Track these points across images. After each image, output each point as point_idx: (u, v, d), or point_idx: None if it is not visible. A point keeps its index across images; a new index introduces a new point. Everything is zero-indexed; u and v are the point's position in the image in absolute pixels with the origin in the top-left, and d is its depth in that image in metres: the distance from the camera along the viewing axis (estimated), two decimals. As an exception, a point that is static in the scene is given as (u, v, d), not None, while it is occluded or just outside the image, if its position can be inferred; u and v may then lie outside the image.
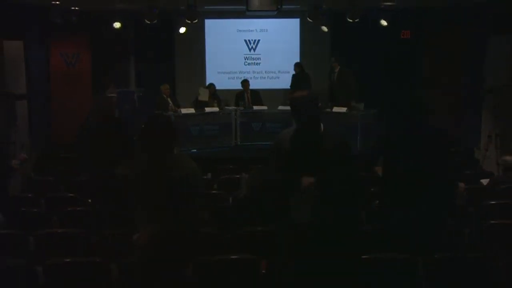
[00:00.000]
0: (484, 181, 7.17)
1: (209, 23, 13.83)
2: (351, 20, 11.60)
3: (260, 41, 14.01)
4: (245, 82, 12.46)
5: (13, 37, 10.31)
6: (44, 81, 12.03)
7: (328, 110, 11.19)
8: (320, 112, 4.37)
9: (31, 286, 4.16)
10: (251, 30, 13.97)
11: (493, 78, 10.21)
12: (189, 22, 11.86)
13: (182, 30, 12.48)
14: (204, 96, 12.13)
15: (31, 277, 4.16)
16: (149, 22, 11.45)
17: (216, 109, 11.84)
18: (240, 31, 13.98)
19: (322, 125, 4.22)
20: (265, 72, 14.03)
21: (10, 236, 4.85)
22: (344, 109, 11.18)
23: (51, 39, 12.31)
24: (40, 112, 11.56)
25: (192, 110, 11.64)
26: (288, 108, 11.74)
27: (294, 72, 12.54)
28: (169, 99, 11.68)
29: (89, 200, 6.35)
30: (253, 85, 12.55)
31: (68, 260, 4.33)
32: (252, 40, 14.02)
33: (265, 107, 12.17)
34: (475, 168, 9.18)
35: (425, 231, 4.48)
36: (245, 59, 14.06)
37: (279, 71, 13.95)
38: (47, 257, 4.35)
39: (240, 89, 12.47)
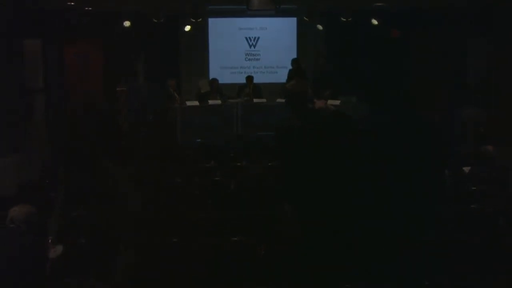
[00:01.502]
0: (466, 169, 7.24)
1: (212, 22, 13.84)
2: (344, 20, 11.66)
3: (260, 38, 14.03)
4: (249, 78, 12.50)
5: (32, 36, 10.36)
6: (60, 77, 12.08)
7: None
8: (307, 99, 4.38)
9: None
10: (251, 28, 13.99)
11: (474, 75, 10.30)
12: (194, 20, 11.92)
13: (187, 28, 12.54)
14: (205, 87, 12.18)
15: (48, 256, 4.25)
16: (156, 21, 11.51)
17: (218, 101, 11.88)
18: (241, 29, 14.00)
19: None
20: (264, 67, 14.07)
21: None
22: (337, 102, 11.21)
23: (67, 38, 12.34)
24: (56, 106, 11.61)
25: (196, 103, 11.69)
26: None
27: (291, 67, 12.58)
28: (175, 93, 11.74)
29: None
30: (253, 80, 12.59)
31: (83, 241, 4.42)
32: (252, 37, 14.04)
33: (264, 100, 12.21)
34: (458, 157, 9.24)
35: (415, 218, 4.51)
36: (245, 55, 14.09)
37: (277, 66, 13.97)
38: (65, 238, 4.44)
39: (244, 83, 12.52)
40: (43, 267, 4.19)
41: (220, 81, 12.42)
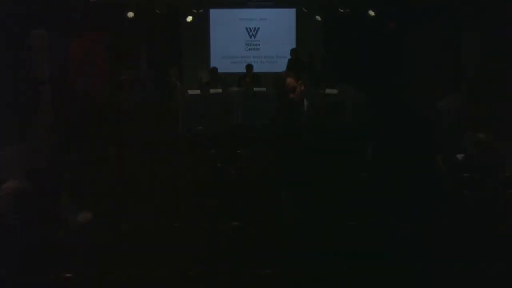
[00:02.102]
0: (459, 156, 7.28)
1: (214, 13, 13.84)
2: (342, 11, 11.64)
3: (260, 29, 14.04)
4: (249, 67, 12.48)
5: (39, 27, 10.34)
6: (66, 68, 12.06)
7: (321, 91, 11.23)
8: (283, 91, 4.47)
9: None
10: (252, 19, 13.99)
11: (468, 68, 10.30)
12: (195, 11, 11.90)
13: (189, 19, 12.53)
14: (206, 77, 12.19)
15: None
16: (159, 12, 11.50)
17: (219, 90, 11.88)
18: (241, 19, 14.00)
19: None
20: (264, 57, 14.09)
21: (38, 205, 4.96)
22: (335, 91, 11.22)
23: (72, 29, 12.30)
24: (62, 96, 11.60)
25: (197, 91, 11.70)
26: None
27: (290, 57, 12.57)
28: (177, 82, 11.75)
29: None
30: (253, 69, 12.58)
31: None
32: (252, 28, 14.05)
33: (264, 89, 12.21)
34: (452, 145, 9.27)
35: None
36: (246, 45, 14.11)
37: (277, 56, 13.98)
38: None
39: (244, 72, 12.52)
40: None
41: (221, 71, 12.41)
